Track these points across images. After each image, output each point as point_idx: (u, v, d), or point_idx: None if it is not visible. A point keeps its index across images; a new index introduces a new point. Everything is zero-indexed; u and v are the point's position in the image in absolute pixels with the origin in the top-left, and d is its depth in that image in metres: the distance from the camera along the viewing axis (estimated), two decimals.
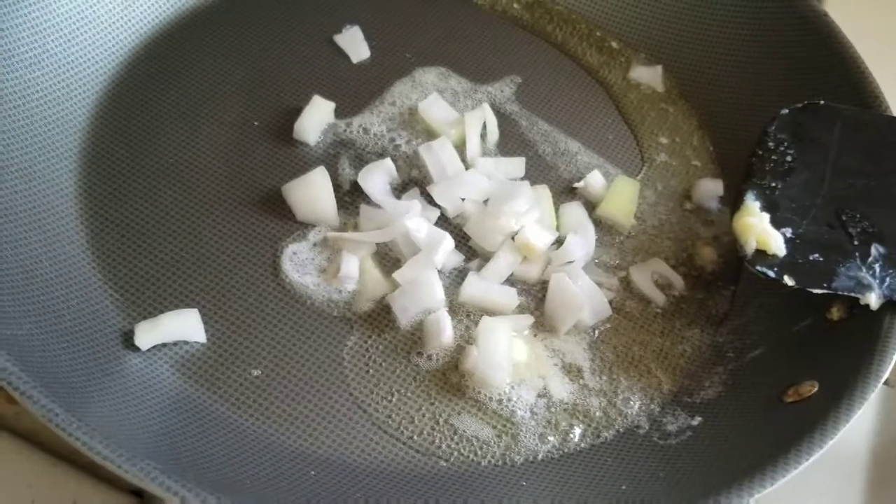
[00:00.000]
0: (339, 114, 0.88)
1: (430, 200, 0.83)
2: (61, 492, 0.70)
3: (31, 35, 0.80)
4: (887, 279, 0.72)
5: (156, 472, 0.53)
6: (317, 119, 0.87)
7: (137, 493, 0.71)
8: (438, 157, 0.84)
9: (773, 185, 0.78)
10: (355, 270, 0.78)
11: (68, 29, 0.83)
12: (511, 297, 0.78)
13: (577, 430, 0.72)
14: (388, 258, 0.80)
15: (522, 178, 0.86)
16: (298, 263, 0.78)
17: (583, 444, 0.72)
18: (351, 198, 0.83)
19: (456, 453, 0.70)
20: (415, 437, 0.71)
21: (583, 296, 0.77)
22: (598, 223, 0.85)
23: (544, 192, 0.85)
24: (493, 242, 0.80)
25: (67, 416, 0.54)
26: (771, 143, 0.80)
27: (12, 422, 0.73)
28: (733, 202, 0.79)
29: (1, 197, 0.71)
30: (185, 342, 0.72)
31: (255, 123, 0.87)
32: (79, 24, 0.84)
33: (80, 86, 0.83)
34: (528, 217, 0.80)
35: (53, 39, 0.82)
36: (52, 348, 0.64)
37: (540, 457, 0.71)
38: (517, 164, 0.87)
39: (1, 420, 0.73)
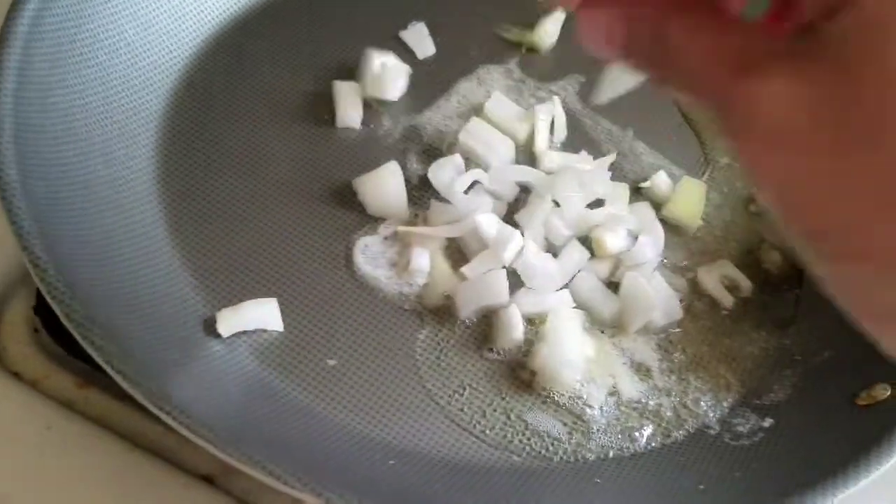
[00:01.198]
0: (406, 109, 0.89)
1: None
2: (134, 475, 0.71)
3: (111, 22, 0.81)
4: None
5: (278, 467, 0.54)
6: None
7: (208, 478, 0.72)
8: (483, 138, 0.84)
9: None
10: (426, 264, 0.78)
11: (144, 17, 0.84)
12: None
13: (648, 430, 0.73)
14: (457, 253, 0.80)
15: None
16: (370, 256, 0.79)
17: (653, 444, 0.72)
18: (418, 192, 0.84)
19: (528, 448, 0.71)
20: (487, 432, 0.71)
21: (655, 296, 0.77)
22: (663, 224, 0.85)
23: (623, 190, 0.85)
24: (559, 238, 0.80)
25: (178, 404, 0.54)
26: None
27: (82, 406, 0.74)
28: None
29: (85, 181, 0.72)
30: (264, 330, 0.73)
31: (325, 117, 0.88)
32: (154, 12, 0.85)
33: (155, 74, 0.84)
34: (600, 214, 0.81)
35: (131, 27, 0.82)
36: (143, 335, 0.65)
37: (611, 455, 0.71)
38: (584, 161, 0.87)
39: (71, 405, 0.74)
